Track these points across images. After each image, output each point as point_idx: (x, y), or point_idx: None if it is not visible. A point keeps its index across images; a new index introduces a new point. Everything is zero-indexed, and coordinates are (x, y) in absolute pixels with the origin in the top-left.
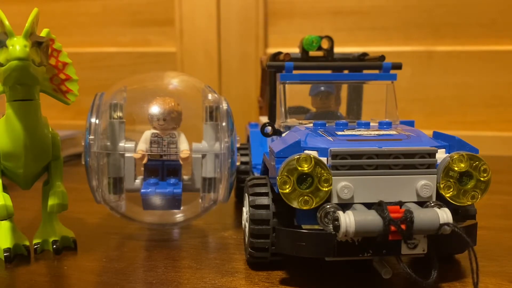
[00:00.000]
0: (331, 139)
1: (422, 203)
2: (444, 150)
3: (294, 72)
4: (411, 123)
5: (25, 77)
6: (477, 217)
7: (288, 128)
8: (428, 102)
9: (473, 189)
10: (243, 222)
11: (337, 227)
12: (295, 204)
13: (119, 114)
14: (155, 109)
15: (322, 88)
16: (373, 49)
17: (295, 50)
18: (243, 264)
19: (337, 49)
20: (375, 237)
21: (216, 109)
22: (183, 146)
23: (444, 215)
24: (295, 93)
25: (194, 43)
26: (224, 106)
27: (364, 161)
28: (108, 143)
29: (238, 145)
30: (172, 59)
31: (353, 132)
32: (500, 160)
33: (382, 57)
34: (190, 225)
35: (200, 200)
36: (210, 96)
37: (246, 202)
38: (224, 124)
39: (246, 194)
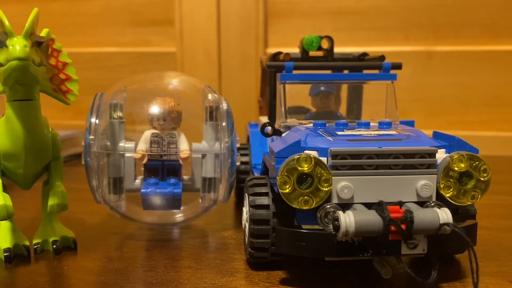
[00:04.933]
0: (331, 139)
1: (422, 203)
2: (444, 150)
3: (294, 72)
4: (411, 123)
5: (25, 77)
6: (477, 217)
7: (288, 128)
8: (428, 102)
9: (473, 189)
10: (243, 222)
11: (337, 227)
12: (295, 204)
13: (119, 114)
14: (155, 109)
15: (322, 88)
16: (373, 49)
17: (295, 50)
18: (243, 264)
19: (337, 49)
20: (375, 237)
21: (216, 109)
22: (183, 146)
23: (444, 215)
24: (295, 93)
25: (194, 43)
26: (224, 106)
27: (364, 161)
28: (108, 143)
29: (238, 145)
30: (172, 59)
31: (353, 132)
32: (500, 160)
33: (382, 57)
34: (190, 225)
35: (200, 200)
36: (210, 96)
37: (246, 202)
38: (224, 124)
39: (246, 194)
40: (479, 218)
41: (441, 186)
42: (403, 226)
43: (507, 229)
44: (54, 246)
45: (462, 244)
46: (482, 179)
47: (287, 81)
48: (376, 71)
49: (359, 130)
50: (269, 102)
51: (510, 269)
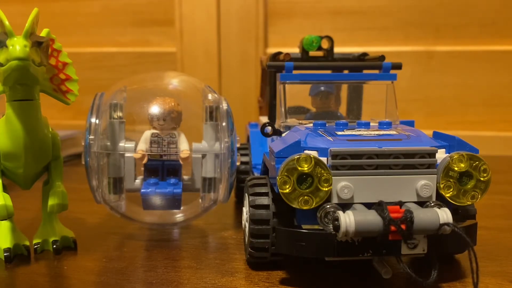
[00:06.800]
0: (331, 139)
1: (422, 203)
2: (444, 150)
3: (294, 72)
4: (411, 123)
5: (25, 77)
6: (477, 217)
7: (288, 128)
8: (428, 102)
9: (473, 189)
10: (243, 222)
11: (337, 227)
12: (295, 204)
13: (119, 114)
14: (155, 109)
15: (322, 88)
16: (373, 49)
17: (295, 50)
18: (243, 264)
19: (337, 49)
20: (375, 237)
21: (216, 109)
22: (183, 146)
23: (444, 215)
24: (295, 93)
25: (194, 43)
26: (224, 106)
27: (364, 161)
28: (108, 143)
29: (238, 145)
30: (172, 59)
31: (353, 132)
32: (500, 160)
33: (382, 57)
34: (190, 225)
35: (200, 200)
36: (210, 96)
37: (246, 202)
38: (224, 124)
39: (246, 194)
40: (479, 218)
41: (441, 186)
42: (403, 226)
43: (507, 229)
44: (54, 246)
45: (462, 244)
46: (482, 179)
47: (287, 81)
48: (376, 71)
49: (359, 130)
50: (269, 102)
51: (510, 269)
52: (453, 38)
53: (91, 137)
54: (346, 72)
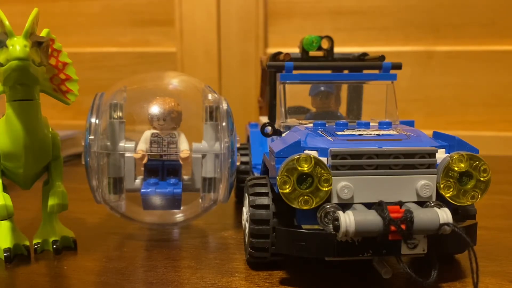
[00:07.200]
0: (331, 139)
1: (422, 203)
2: (444, 150)
3: (294, 72)
4: (411, 123)
5: (25, 77)
6: (477, 217)
7: (288, 128)
8: (428, 102)
9: (473, 189)
10: (243, 222)
11: (337, 227)
12: (295, 204)
13: (119, 114)
14: (155, 109)
15: (322, 88)
16: (373, 49)
17: (295, 50)
18: (243, 264)
19: (337, 49)
20: (375, 237)
21: (216, 109)
22: (183, 146)
23: (444, 215)
24: (295, 93)
25: (194, 43)
26: (224, 106)
27: (364, 161)
28: (108, 143)
29: (238, 145)
30: (172, 59)
31: (353, 132)
32: (500, 160)
33: (382, 57)
34: (190, 225)
35: (200, 200)
36: (210, 96)
37: (246, 202)
38: (224, 124)
39: (246, 194)
40: (479, 218)
41: (441, 186)
42: (403, 226)
43: (507, 229)
44: (54, 246)
45: (462, 244)
46: (482, 179)
47: (287, 81)
48: (376, 71)
49: (359, 130)
50: (269, 102)
51: (510, 269)
52: (453, 38)
53: (91, 137)
54: (346, 72)
